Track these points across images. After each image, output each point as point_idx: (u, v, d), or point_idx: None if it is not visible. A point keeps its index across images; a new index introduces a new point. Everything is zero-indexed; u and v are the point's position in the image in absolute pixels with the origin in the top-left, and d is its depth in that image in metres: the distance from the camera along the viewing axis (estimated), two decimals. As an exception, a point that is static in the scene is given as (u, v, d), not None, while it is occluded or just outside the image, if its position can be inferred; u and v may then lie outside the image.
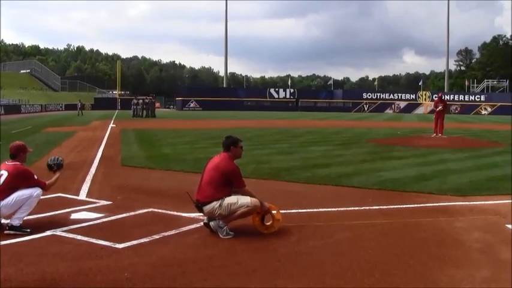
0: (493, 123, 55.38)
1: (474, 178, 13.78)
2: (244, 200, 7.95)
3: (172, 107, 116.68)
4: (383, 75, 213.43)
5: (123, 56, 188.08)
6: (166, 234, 7.93)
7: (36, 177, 8.47)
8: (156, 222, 8.73)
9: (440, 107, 30.15)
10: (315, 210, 9.90)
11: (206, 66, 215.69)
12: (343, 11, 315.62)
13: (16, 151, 8.51)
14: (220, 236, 7.79)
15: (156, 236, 7.76)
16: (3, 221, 8.17)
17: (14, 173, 8.18)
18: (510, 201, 10.87)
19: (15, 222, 7.97)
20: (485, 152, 21.16)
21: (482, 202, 10.89)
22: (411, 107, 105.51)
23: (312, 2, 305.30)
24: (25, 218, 8.15)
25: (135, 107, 62.40)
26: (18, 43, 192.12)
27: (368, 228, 8.57)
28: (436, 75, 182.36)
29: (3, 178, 8.13)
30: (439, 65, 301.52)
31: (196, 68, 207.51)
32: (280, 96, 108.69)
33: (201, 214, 8.30)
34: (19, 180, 8.23)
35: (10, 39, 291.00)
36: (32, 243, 7.43)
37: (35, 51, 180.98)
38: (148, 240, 7.58)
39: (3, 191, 8.02)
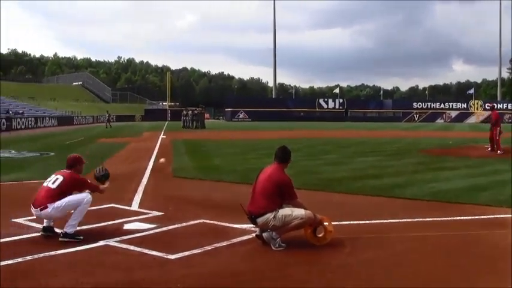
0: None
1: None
2: (298, 212, 7.89)
3: (221, 117, 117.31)
4: (433, 84, 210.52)
5: (173, 67, 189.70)
6: (217, 245, 7.90)
7: (89, 181, 8.74)
8: (208, 234, 8.73)
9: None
10: (367, 221, 9.77)
11: (255, 77, 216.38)
12: (390, 19, 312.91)
13: (73, 162, 8.75)
14: (273, 247, 7.74)
15: (208, 247, 7.74)
16: (57, 229, 8.33)
17: (69, 178, 8.43)
18: None
19: (69, 229, 8.11)
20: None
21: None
22: (463, 116, 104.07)
23: (359, 11, 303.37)
24: (79, 228, 8.28)
25: (185, 118, 62.91)
26: (70, 56, 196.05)
27: (421, 241, 8.43)
28: (488, 84, 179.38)
29: (58, 182, 8.36)
30: (491, 73, 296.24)
31: (245, 79, 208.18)
32: (329, 107, 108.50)
33: (253, 225, 8.28)
34: (73, 186, 8.48)
35: (63, 52, 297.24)
36: (86, 253, 7.50)
37: (86, 63, 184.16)
38: (200, 251, 7.56)
39: (57, 195, 8.22)
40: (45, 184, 8.47)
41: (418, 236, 8.72)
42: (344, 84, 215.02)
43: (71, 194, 8.41)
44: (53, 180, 8.42)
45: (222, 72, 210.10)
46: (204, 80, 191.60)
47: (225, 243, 8.06)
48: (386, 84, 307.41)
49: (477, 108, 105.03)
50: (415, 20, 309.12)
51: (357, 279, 6.54)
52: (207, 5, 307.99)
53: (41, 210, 8.19)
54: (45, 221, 8.47)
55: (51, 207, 8.14)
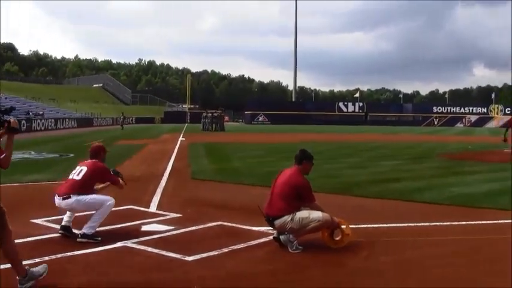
0: None
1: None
2: (315, 215, 7.89)
3: (241, 120, 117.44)
4: (453, 89, 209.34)
5: (193, 70, 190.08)
6: (235, 247, 7.92)
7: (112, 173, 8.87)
8: (225, 236, 8.73)
9: None
10: (386, 225, 9.76)
11: (275, 80, 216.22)
12: (410, 23, 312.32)
13: (96, 151, 8.92)
14: (290, 250, 7.74)
15: (225, 250, 7.76)
16: (75, 230, 8.38)
17: (92, 168, 8.56)
18: None
19: (88, 230, 8.16)
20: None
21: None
22: (482, 120, 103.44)
23: (380, 15, 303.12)
24: (98, 229, 8.32)
25: (204, 120, 63.03)
26: (91, 58, 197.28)
27: (440, 245, 8.38)
28: (509, 88, 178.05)
29: (82, 173, 8.47)
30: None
31: (265, 82, 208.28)
32: (349, 110, 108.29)
33: (271, 228, 8.28)
34: (97, 175, 8.63)
35: (84, 54, 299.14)
36: (104, 254, 7.55)
37: (107, 65, 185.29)
38: (217, 253, 7.58)
39: (81, 186, 8.34)
40: (70, 177, 8.58)
41: (436, 240, 8.67)
42: (364, 88, 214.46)
43: (94, 183, 8.59)
44: (78, 172, 8.54)
45: (243, 75, 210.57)
46: (224, 82, 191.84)
47: (242, 245, 8.07)
48: (407, 88, 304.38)
49: (497, 113, 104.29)
50: (436, 24, 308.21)
51: (374, 282, 6.52)
52: (228, 7, 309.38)
53: (63, 199, 8.29)
54: (64, 218, 8.53)
55: (74, 199, 8.24)
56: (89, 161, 8.76)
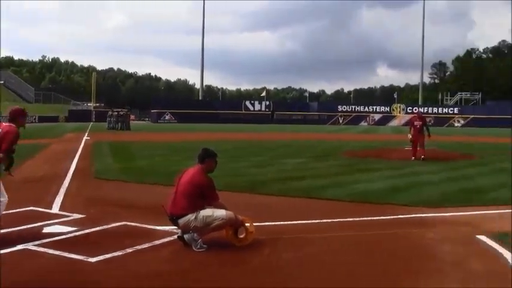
0: (466, 135, 55.85)
1: (447, 190, 13.93)
2: (219, 213, 7.95)
3: (147, 119, 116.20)
4: (358, 88, 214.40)
5: (99, 67, 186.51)
6: (139, 247, 7.89)
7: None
8: (130, 236, 8.68)
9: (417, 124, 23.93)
10: (289, 222, 9.91)
11: (182, 79, 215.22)
12: (316, 23, 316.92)
13: (14, 114, 8.65)
14: (194, 249, 7.77)
15: (129, 250, 7.72)
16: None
17: (4, 130, 8.30)
18: (481, 212, 11.06)
19: None
20: (458, 164, 21.38)
21: (455, 214, 11.03)
22: (386, 119, 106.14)
23: (287, 15, 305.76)
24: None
25: (110, 119, 62.08)
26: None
27: (341, 241, 8.63)
28: (410, 88, 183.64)
29: None
30: (413, 78, 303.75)
31: (172, 80, 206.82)
32: (255, 109, 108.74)
33: (175, 227, 8.28)
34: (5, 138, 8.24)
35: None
36: (2, 258, 7.31)
37: (9, 62, 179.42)
38: (121, 253, 7.53)
39: None
40: None
41: (338, 236, 8.91)
42: (271, 87, 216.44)
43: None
44: None
45: (149, 73, 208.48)
46: (130, 80, 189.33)
47: (146, 245, 8.04)
48: (313, 87, 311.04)
49: (399, 112, 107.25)
50: (341, 24, 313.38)
51: (277, 279, 6.64)
52: (135, 4, 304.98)
53: None
54: None
55: None
56: (6, 124, 8.50)
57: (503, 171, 18.93)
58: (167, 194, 8.78)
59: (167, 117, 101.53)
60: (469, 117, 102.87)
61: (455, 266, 7.32)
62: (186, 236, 7.92)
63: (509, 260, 7.45)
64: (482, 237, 8.80)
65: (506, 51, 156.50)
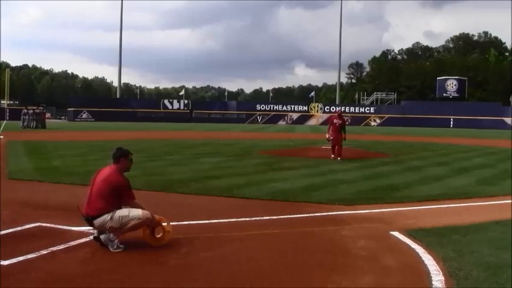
0: (381, 134, 57.19)
1: (362, 188, 14.27)
2: (135, 213, 7.90)
3: (63, 117, 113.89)
4: (277, 87, 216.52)
5: (13, 64, 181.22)
6: (54, 249, 7.75)
7: None
8: (44, 237, 8.51)
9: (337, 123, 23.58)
10: (206, 221, 9.95)
11: (99, 76, 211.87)
12: (236, 23, 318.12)
13: None
14: (111, 249, 7.70)
15: (44, 251, 7.58)
16: None
17: None
18: (394, 209, 11.38)
19: None
20: (373, 162, 21.90)
21: (369, 211, 11.34)
22: (303, 118, 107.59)
23: (206, 13, 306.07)
24: None
25: (25, 117, 60.56)
26: None
27: (258, 239, 8.72)
28: (328, 88, 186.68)
29: None
30: (331, 78, 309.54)
31: (89, 78, 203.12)
32: (174, 108, 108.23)
33: (91, 228, 8.17)
34: None
35: None
36: None
37: None
38: (35, 255, 7.39)
39: None
40: None
41: (255, 235, 8.99)
42: (190, 86, 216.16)
43: None
44: None
45: (66, 71, 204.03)
46: (46, 78, 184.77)
47: (62, 246, 7.92)
48: (232, 86, 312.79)
49: (317, 111, 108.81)
50: (260, 24, 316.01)
51: (195, 278, 6.65)
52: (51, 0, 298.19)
53: None
54: None
55: None
56: None
57: (416, 169, 19.54)
58: (83, 194, 8.65)
59: (84, 116, 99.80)
60: (384, 117, 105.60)
61: (369, 261, 7.53)
62: (102, 237, 7.84)
63: (420, 255, 7.72)
64: (395, 233, 9.09)
65: (420, 53, 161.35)
